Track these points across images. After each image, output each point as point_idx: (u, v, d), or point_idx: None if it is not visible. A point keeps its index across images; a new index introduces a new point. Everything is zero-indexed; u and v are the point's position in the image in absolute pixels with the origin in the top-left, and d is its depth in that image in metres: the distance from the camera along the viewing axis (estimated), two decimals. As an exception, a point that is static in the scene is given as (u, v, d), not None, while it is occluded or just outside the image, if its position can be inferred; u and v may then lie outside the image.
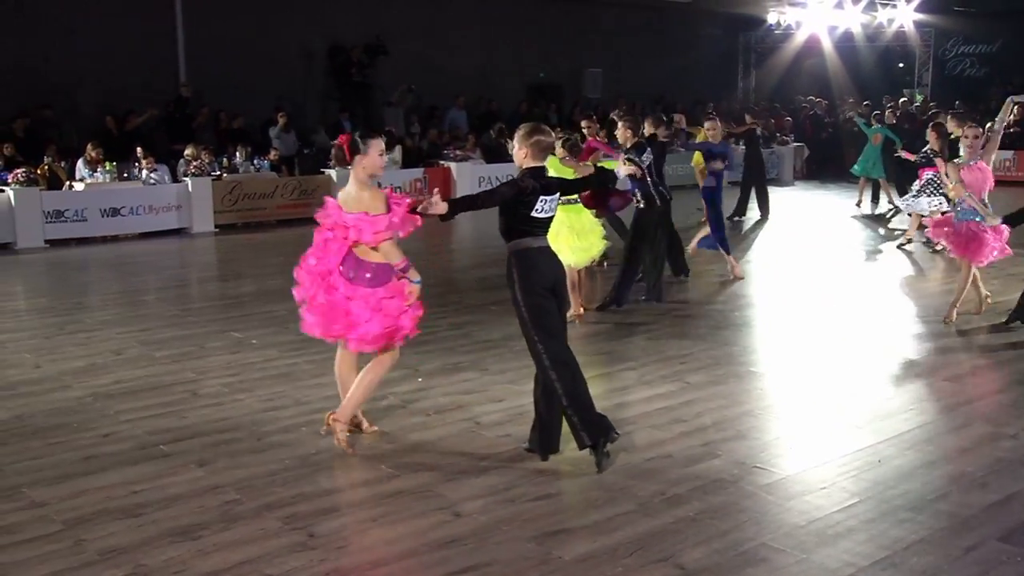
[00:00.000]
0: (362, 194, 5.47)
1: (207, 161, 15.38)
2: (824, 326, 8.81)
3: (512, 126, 20.25)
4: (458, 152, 18.04)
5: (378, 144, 5.42)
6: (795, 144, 23.04)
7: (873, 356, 7.77)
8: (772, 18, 26.59)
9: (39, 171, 14.15)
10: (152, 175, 14.81)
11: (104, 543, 4.50)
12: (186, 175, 14.96)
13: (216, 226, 15.01)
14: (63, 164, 14.91)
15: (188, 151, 15.33)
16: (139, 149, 15.19)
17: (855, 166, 16.96)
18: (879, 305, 9.68)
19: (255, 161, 16.10)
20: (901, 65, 27.25)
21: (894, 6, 25.10)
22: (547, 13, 22.94)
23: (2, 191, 13.45)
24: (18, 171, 13.59)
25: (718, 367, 7.39)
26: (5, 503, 4.95)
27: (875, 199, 17.55)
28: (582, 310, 8.82)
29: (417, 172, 17.43)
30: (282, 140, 17.57)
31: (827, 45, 25.90)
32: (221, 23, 18.31)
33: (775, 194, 19.24)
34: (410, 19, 20.79)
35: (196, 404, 6.54)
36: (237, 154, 16.04)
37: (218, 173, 15.49)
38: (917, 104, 23.49)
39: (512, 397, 6.62)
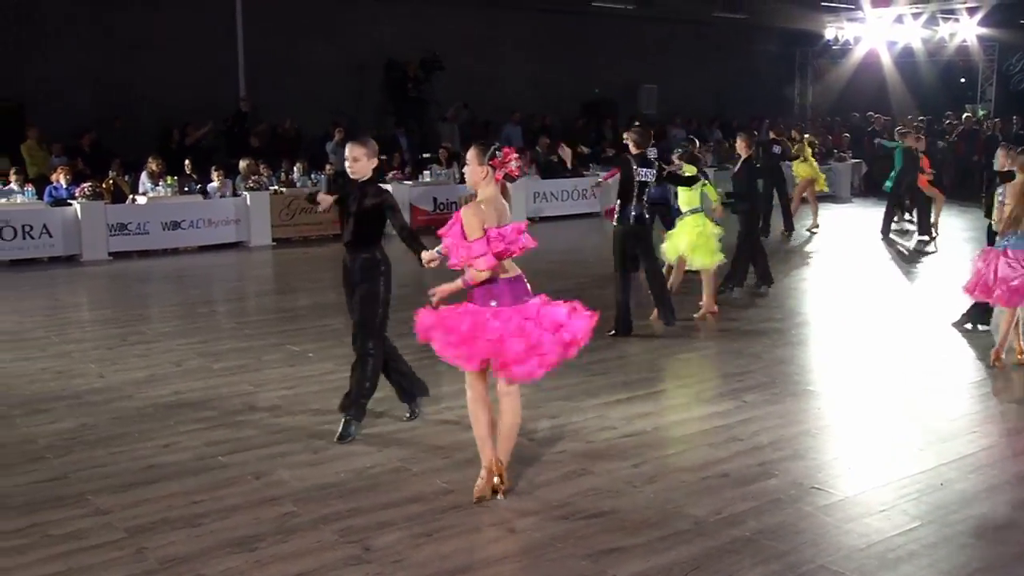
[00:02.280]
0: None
1: (265, 175, 15.61)
2: (881, 345, 8.68)
3: (567, 140, 20.35)
4: (512, 168, 18.11)
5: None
6: (853, 160, 22.75)
7: (933, 376, 7.64)
8: (830, 33, 26.25)
9: (104, 185, 14.49)
10: (221, 190, 15.07)
11: (164, 552, 4.58)
12: (245, 189, 15.18)
13: (273, 240, 15.22)
14: (127, 178, 15.25)
15: (242, 165, 15.55)
16: (187, 163, 15.46)
17: (886, 183, 16.47)
18: (938, 324, 9.51)
19: (312, 175, 16.29)
20: (963, 80, 26.80)
21: (956, 20, 24.64)
22: (602, 28, 22.96)
23: (69, 205, 13.79)
24: (84, 185, 13.92)
25: (774, 385, 7.31)
26: (72, 509, 5.07)
27: (907, 210, 17.19)
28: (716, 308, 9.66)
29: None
30: (338, 154, 17.76)
31: (886, 60, 25.54)
32: (280, 39, 18.64)
33: (832, 210, 19.03)
34: (465, 35, 20.96)
35: (253, 416, 6.63)
36: (295, 168, 16.25)
37: (276, 187, 15.71)
38: (978, 119, 23.09)
39: (566, 413, 6.62)
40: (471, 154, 5.11)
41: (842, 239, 15.77)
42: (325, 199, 6.42)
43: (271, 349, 8.52)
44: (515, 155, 5.12)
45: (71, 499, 5.20)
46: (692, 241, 9.61)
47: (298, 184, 15.94)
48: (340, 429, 6.16)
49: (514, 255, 5.00)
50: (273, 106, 18.05)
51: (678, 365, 7.92)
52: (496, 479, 5.15)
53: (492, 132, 20.39)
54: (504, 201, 5.12)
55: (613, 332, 8.81)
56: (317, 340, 8.81)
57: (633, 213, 8.71)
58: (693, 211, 9.74)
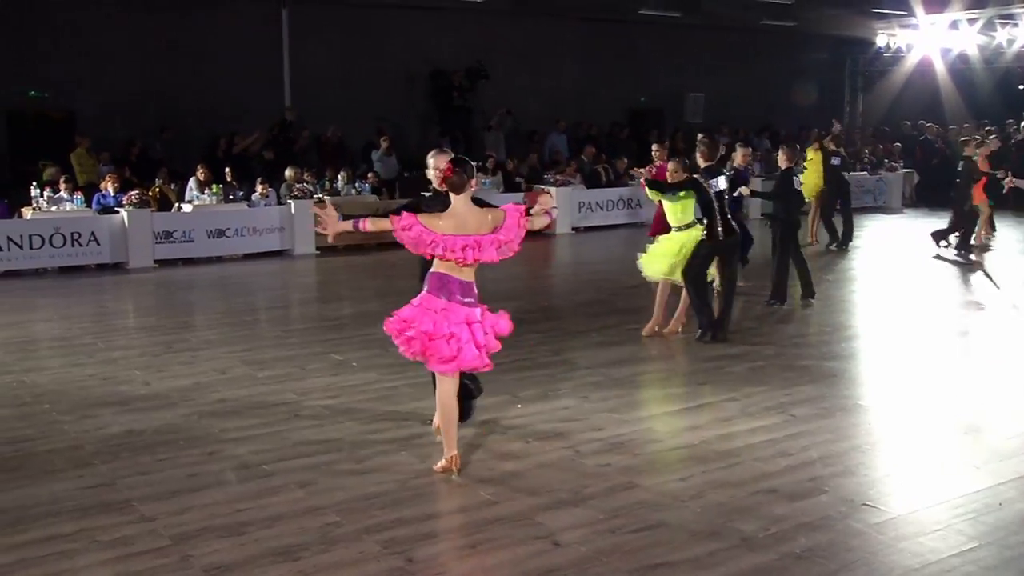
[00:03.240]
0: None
1: (309, 184, 15.75)
2: (934, 359, 8.55)
3: (612, 151, 20.31)
4: (558, 177, 18.10)
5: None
6: (904, 170, 22.46)
7: (988, 392, 7.50)
8: (881, 41, 25.82)
9: (151, 193, 14.74)
10: (263, 200, 15.26)
11: (209, 560, 4.63)
12: (288, 198, 15.34)
13: (317, 248, 15.34)
14: (172, 186, 15.49)
15: (288, 173, 15.73)
16: (227, 171, 15.64)
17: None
18: (992, 337, 9.34)
19: (356, 184, 16.42)
20: (1022, 88, 26.26)
21: (1015, 25, 24.08)
22: (648, 36, 22.90)
23: (116, 212, 14.02)
24: (132, 193, 14.16)
25: (823, 400, 7.23)
26: (118, 516, 5.13)
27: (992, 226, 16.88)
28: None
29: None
30: (384, 163, 17.90)
31: (940, 68, 25.06)
32: (326, 48, 18.85)
33: (883, 221, 18.79)
34: (510, 43, 21.01)
35: (297, 425, 6.68)
36: (339, 177, 16.39)
37: (320, 196, 15.85)
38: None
39: (613, 426, 6.59)
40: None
41: (893, 251, 15.57)
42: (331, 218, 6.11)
43: (315, 358, 8.58)
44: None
45: (118, 505, 5.27)
46: (674, 262, 9.03)
47: (342, 192, 16.08)
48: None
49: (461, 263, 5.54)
50: (318, 115, 18.23)
51: (725, 378, 7.86)
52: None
53: (537, 141, 20.43)
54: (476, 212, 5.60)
55: (700, 335, 8.98)
56: (361, 349, 8.86)
57: (720, 228, 8.77)
58: (685, 227, 9.07)
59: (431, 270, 5.70)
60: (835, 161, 15.52)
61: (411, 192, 16.99)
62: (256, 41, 18.31)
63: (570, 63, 22.11)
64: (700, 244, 8.88)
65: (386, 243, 15.89)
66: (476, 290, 5.74)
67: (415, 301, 5.72)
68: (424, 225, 5.51)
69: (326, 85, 18.69)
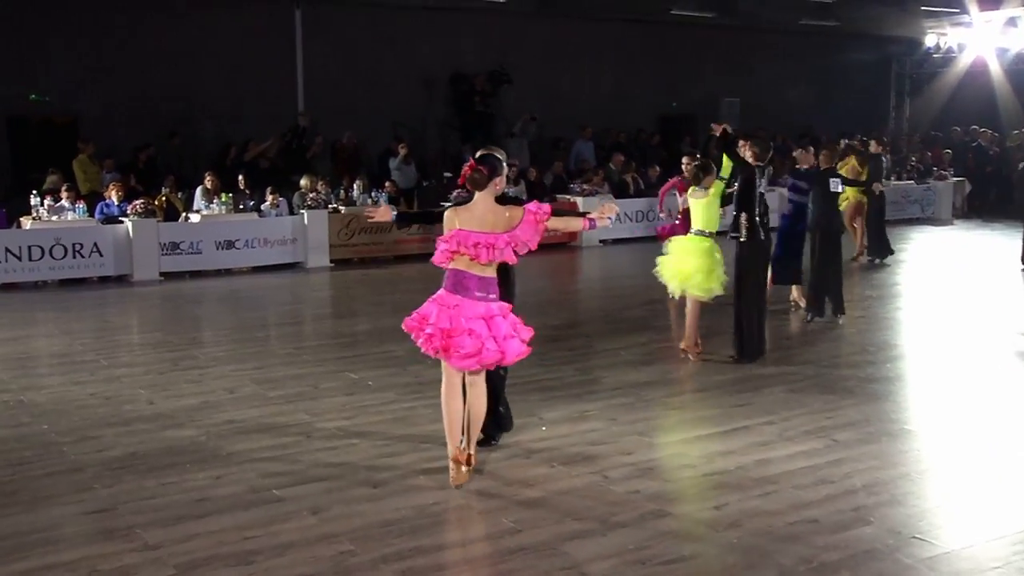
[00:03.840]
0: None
1: (323, 193, 15.84)
2: (987, 380, 8.47)
3: (641, 159, 20.29)
4: (585, 186, 18.11)
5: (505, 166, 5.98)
6: (955, 179, 22.32)
7: (1048, 417, 7.42)
8: (930, 40, 25.50)
9: (156, 202, 14.85)
10: (274, 210, 15.36)
11: (216, 589, 4.63)
12: (302, 207, 15.42)
13: (331, 261, 15.43)
14: (180, 195, 15.60)
15: (304, 182, 15.81)
16: (240, 179, 15.75)
17: None
18: (1054, 360, 9.26)
19: (372, 193, 16.49)
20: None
21: (1079, 21, 23.67)
22: (680, 38, 22.92)
23: (121, 222, 14.13)
24: (137, 202, 14.25)
25: (868, 424, 7.17)
26: (120, 543, 5.15)
27: None
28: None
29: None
30: (402, 172, 17.96)
31: (995, 69, 24.68)
32: (341, 51, 18.99)
33: (932, 234, 18.66)
34: (535, 46, 21.08)
35: (310, 447, 6.69)
36: (354, 186, 16.46)
37: (334, 206, 15.93)
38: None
39: (643, 450, 6.57)
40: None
41: (941, 265, 15.46)
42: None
43: (329, 376, 8.61)
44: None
45: (120, 532, 5.29)
46: (700, 265, 8.84)
47: (358, 202, 16.15)
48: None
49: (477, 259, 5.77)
50: (333, 121, 18.36)
51: (762, 399, 7.81)
52: (464, 468, 5.84)
53: (562, 149, 20.46)
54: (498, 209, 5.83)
55: (735, 358, 8.89)
56: (377, 368, 8.88)
57: (760, 227, 8.86)
58: (709, 233, 8.93)
59: (449, 267, 5.88)
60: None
61: (430, 202, 17.12)
62: (268, 43, 18.47)
63: (597, 67, 22.16)
64: (743, 248, 8.75)
65: (404, 255, 15.99)
66: (497, 287, 5.87)
67: (432, 297, 5.93)
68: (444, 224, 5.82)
69: (341, 89, 18.82)
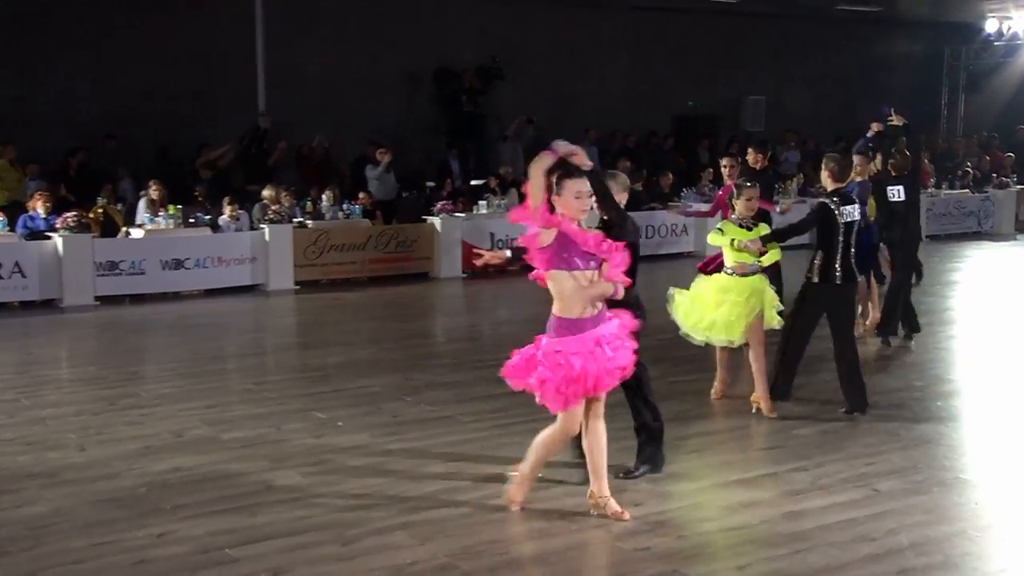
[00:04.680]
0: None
1: (287, 205, 15.87)
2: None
3: (653, 167, 20.31)
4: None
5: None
6: (1018, 187, 22.39)
7: (1123, 462, 7.43)
8: (991, 26, 25.06)
9: (92, 215, 14.79)
10: (233, 224, 15.37)
11: (159, 664, 4.62)
12: (262, 221, 15.46)
13: (297, 283, 15.43)
14: (120, 207, 15.57)
15: (266, 193, 15.83)
16: (197, 190, 15.77)
17: None
18: None
19: (344, 205, 16.53)
20: None
21: None
22: (699, 29, 23.07)
23: (48, 238, 14.08)
24: (67, 215, 14.11)
25: (916, 471, 7.18)
26: (46, 612, 5.13)
27: None
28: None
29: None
30: (382, 181, 18.00)
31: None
32: (308, 43, 19.05)
33: (989, 250, 18.71)
34: (532, 37, 21.20)
35: (270, 499, 6.67)
36: (323, 197, 16.50)
37: (300, 220, 15.95)
38: None
39: (654, 500, 6.56)
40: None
41: (1001, 287, 15.50)
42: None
43: (293, 416, 8.60)
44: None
45: (45, 600, 5.27)
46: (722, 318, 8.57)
47: (327, 215, 16.18)
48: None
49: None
50: (299, 123, 18.41)
51: (791, 442, 7.82)
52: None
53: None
54: None
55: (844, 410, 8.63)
56: (350, 406, 8.88)
57: (839, 268, 8.37)
58: (745, 273, 8.61)
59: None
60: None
61: (409, 217, 17.17)
62: (224, 33, 18.52)
63: (604, 61, 22.29)
64: (807, 288, 8.52)
65: (380, 276, 16.00)
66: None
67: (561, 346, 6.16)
68: None
69: (308, 87, 18.89)
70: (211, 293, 14.97)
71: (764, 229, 8.68)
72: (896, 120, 10.59)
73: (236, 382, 10.05)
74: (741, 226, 8.61)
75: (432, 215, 16.77)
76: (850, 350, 8.58)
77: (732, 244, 8.49)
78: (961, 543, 5.99)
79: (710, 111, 23.49)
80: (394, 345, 11.71)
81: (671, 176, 19.55)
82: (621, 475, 6.88)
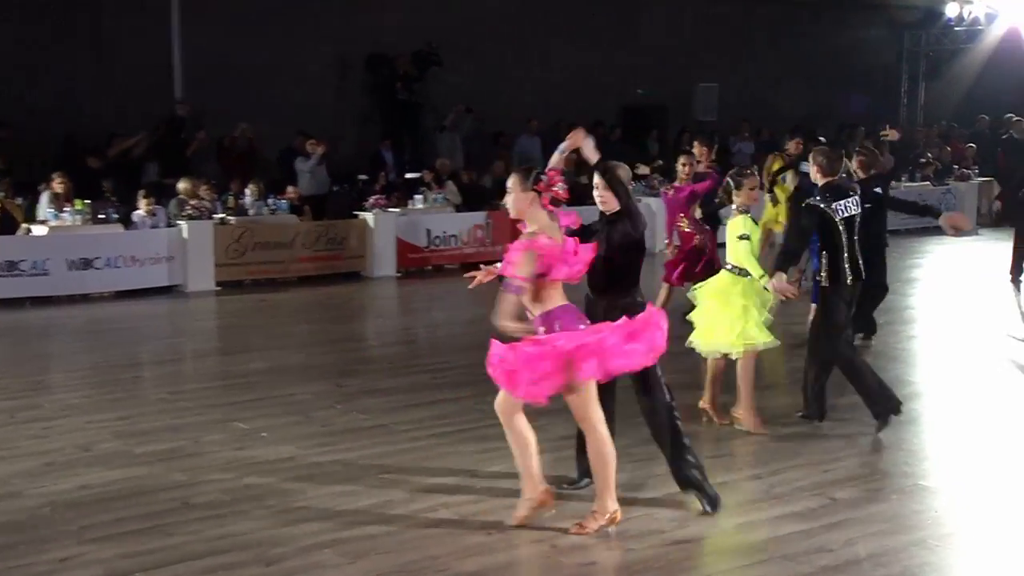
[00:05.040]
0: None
1: (207, 200, 15.73)
2: (1019, 426, 8.60)
3: (601, 156, 20.36)
4: (531, 190, 18.19)
5: None
6: (980, 179, 22.70)
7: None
8: (952, 10, 25.12)
9: (-14, 210, 14.58)
10: (149, 220, 15.19)
11: None
12: (180, 217, 15.31)
13: (218, 283, 15.32)
14: (20, 201, 15.31)
15: (182, 185, 15.68)
16: (104, 184, 15.57)
17: None
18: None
19: (270, 200, 16.41)
20: None
21: None
22: (651, 13, 23.16)
23: (-63, 236, 13.87)
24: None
25: (875, 478, 7.27)
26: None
27: None
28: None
29: (479, 216, 17.61)
30: (314, 175, 17.88)
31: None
32: (230, 24, 18.85)
33: (953, 246, 18.93)
34: (471, 21, 21.16)
35: (188, 517, 6.61)
36: (247, 191, 16.38)
37: (222, 215, 15.82)
38: None
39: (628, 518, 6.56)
40: (512, 181, 6.19)
41: (963, 285, 15.71)
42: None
43: (213, 427, 8.53)
44: (561, 178, 6.24)
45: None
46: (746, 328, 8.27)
47: (251, 211, 16.06)
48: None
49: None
50: (220, 112, 18.24)
51: (745, 449, 7.88)
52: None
53: (503, 146, 20.55)
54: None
55: (802, 414, 8.61)
56: (275, 416, 8.82)
57: (847, 268, 8.24)
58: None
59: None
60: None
61: (339, 212, 17.09)
62: (134, 14, 18.28)
63: (546, 47, 22.31)
64: (824, 297, 8.39)
65: (309, 276, 15.91)
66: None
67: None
68: None
69: (230, 73, 18.68)
70: (123, 295, 14.79)
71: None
72: (891, 135, 10.53)
73: (150, 391, 9.96)
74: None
75: (364, 210, 16.70)
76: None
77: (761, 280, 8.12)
78: (921, 553, 6.06)
79: (660, 100, 23.60)
80: (324, 350, 11.66)
81: (553, 175, 19.51)
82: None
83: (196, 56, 18.63)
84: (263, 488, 7.11)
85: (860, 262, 8.36)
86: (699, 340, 8.35)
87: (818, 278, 8.49)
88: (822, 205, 8.24)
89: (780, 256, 8.32)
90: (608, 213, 6.63)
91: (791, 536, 6.24)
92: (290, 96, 19.11)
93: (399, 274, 16.59)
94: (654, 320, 6.24)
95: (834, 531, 6.32)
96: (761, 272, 8.07)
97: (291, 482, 7.21)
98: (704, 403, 8.59)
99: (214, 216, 15.64)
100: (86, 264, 14.55)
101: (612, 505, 6.23)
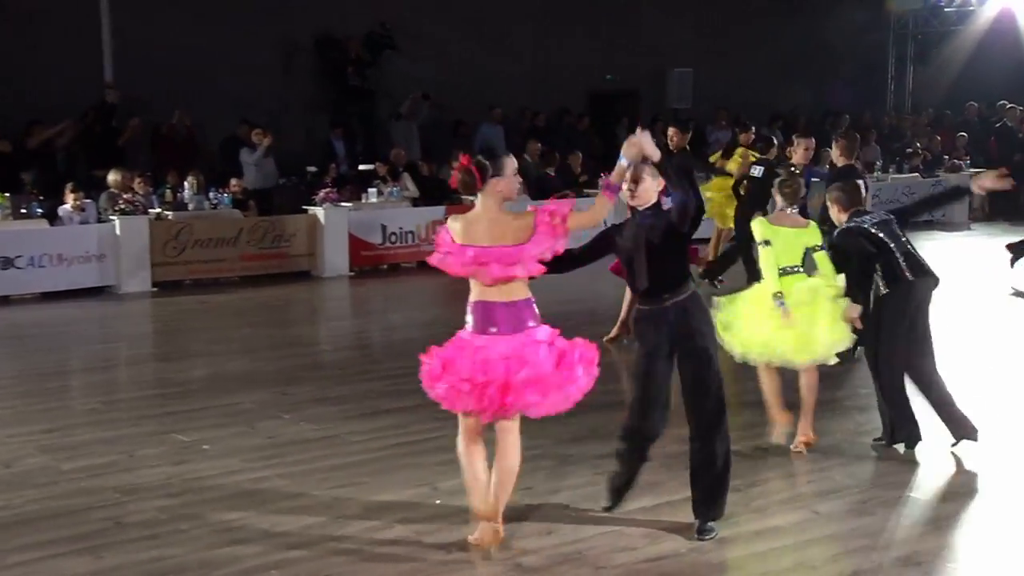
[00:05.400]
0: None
1: (142, 193, 15.63)
2: (1016, 435, 8.66)
3: (566, 147, 20.37)
4: (493, 183, 18.17)
5: (512, 163, 6.30)
6: (973, 171, 22.83)
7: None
8: None
9: None
10: (77, 216, 15.07)
11: None
12: (112, 213, 15.19)
13: (154, 284, 15.22)
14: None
15: (112, 178, 15.56)
16: (24, 177, 15.44)
17: None
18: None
19: (211, 194, 16.33)
20: None
21: None
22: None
23: None
24: None
25: (860, 490, 7.31)
26: None
27: None
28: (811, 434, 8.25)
29: (437, 210, 17.56)
30: (261, 167, 17.79)
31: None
32: (165, 3, 18.70)
33: (943, 241, 19.06)
34: (427, 2, 21.10)
35: (120, 537, 6.57)
36: (185, 184, 16.29)
37: (158, 211, 15.73)
38: None
39: (567, 528, 6.59)
40: (512, 165, 6.27)
41: (953, 283, 15.77)
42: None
43: (150, 440, 8.48)
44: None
45: None
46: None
47: (190, 205, 15.97)
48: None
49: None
50: (155, 98, 18.12)
51: (725, 461, 7.89)
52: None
53: (463, 135, 20.53)
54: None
55: (884, 442, 8.27)
56: (217, 426, 8.80)
57: (904, 266, 8.00)
58: (791, 269, 8.15)
59: (470, 299, 6.23)
60: (755, 172, 14.95)
61: (287, 207, 17.02)
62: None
63: (508, 30, 22.29)
64: (877, 304, 8.16)
65: (254, 275, 15.84)
66: (528, 309, 6.22)
67: (452, 340, 6.29)
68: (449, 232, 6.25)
69: (166, 55, 18.53)
70: (49, 297, 14.68)
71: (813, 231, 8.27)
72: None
73: (80, 401, 9.90)
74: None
75: (314, 205, 16.63)
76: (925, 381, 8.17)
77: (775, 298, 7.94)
78: (909, 571, 6.09)
79: (630, 86, 23.63)
80: (270, 355, 11.60)
81: (580, 156, 19.57)
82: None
83: (128, 37, 18.45)
84: (203, 506, 7.08)
85: (920, 258, 8.13)
86: (792, 349, 8.01)
87: (876, 291, 8.16)
88: (854, 225, 8.13)
89: (850, 289, 8.23)
90: (642, 208, 6.57)
91: (771, 552, 6.28)
92: (232, 81, 18.96)
93: (352, 273, 16.54)
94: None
95: (817, 547, 6.36)
96: (776, 286, 7.95)
97: (234, 499, 7.18)
98: (807, 434, 8.16)
99: (149, 211, 15.54)
100: (7, 264, 14.44)
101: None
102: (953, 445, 8.04)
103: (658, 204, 6.57)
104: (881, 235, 8.04)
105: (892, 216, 8.25)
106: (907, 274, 8.00)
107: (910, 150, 22.98)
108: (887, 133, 24.93)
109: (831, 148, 11.08)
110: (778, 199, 8.28)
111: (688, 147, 12.78)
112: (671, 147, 12.26)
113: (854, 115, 24.03)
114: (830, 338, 8.04)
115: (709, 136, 22.01)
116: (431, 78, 20.61)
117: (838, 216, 8.30)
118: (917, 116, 26.36)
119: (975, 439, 8.01)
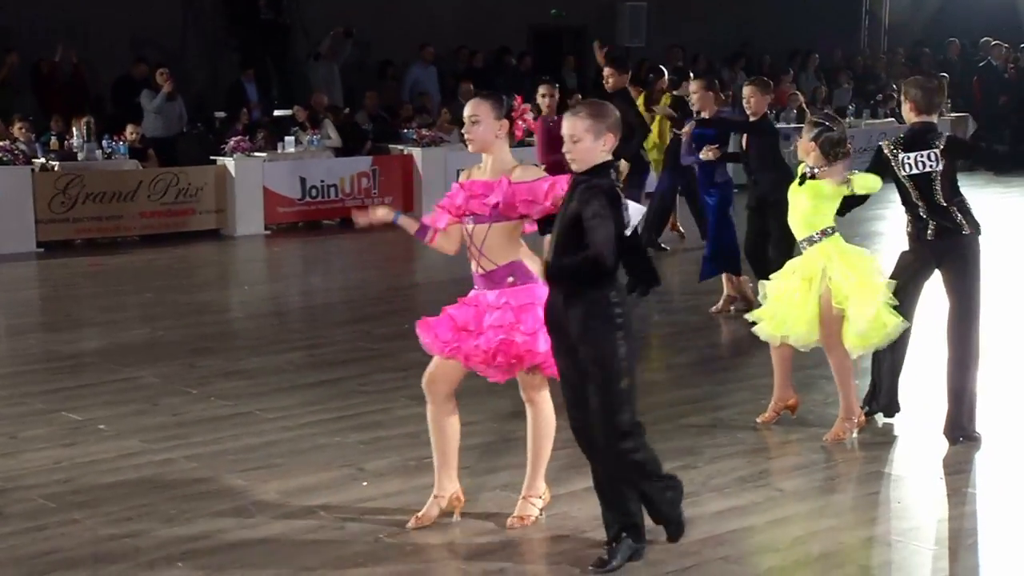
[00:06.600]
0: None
1: (23, 141, 15.45)
2: (997, 400, 8.76)
3: (507, 90, 20.36)
4: (424, 131, 18.14)
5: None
6: (954, 115, 22.99)
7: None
8: None
9: None
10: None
11: None
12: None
13: (40, 244, 15.13)
14: None
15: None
16: None
17: None
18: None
19: (104, 142, 16.17)
20: None
21: None
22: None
23: None
24: None
25: (827, 466, 7.40)
26: None
27: None
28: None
29: (363, 161, 17.53)
30: (164, 113, 17.63)
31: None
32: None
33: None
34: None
35: (3, 530, 6.53)
36: (74, 131, 16.12)
37: (43, 160, 15.56)
38: None
39: (510, 509, 6.60)
40: (481, 107, 6.48)
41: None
42: None
43: (36, 419, 8.43)
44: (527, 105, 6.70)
45: None
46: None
47: (80, 155, 15.80)
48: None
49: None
50: (36, 32, 17.89)
51: (679, 435, 7.93)
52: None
53: (392, 77, 20.45)
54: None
55: (867, 410, 8.24)
56: (115, 403, 8.77)
57: (930, 221, 7.92)
58: (820, 235, 8.07)
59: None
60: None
61: (192, 157, 16.90)
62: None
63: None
64: (905, 256, 8.23)
65: (154, 234, 15.73)
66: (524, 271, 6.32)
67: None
68: None
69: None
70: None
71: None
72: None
73: (-43, 377, 9.81)
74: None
75: (223, 155, 16.52)
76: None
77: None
78: (881, 551, 6.19)
79: (578, 22, 23.61)
80: (174, 323, 11.53)
81: (527, 106, 19.53)
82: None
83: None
84: (98, 492, 7.04)
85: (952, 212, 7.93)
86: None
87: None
88: (886, 151, 8.11)
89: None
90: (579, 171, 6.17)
91: (732, 535, 6.33)
92: (125, 13, 18.75)
93: (267, 232, 16.48)
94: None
95: (781, 527, 6.42)
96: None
97: (134, 484, 7.16)
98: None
99: (33, 161, 15.38)
100: None
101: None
102: (868, 413, 8.16)
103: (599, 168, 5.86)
104: (908, 186, 8.01)
105: None
106: (928, 235, 7.97)
107: (880, 96, 23.09)
108: (860, 74, 25.07)
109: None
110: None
111: (630, 88, 13.00)
112: (607, 88, 12.39)
113: (823, 54, 24.15)
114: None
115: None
116: (354, 12, 20.46)
117: (908, 114, 8.23)
118: (893, 55, 26.51)
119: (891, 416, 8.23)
